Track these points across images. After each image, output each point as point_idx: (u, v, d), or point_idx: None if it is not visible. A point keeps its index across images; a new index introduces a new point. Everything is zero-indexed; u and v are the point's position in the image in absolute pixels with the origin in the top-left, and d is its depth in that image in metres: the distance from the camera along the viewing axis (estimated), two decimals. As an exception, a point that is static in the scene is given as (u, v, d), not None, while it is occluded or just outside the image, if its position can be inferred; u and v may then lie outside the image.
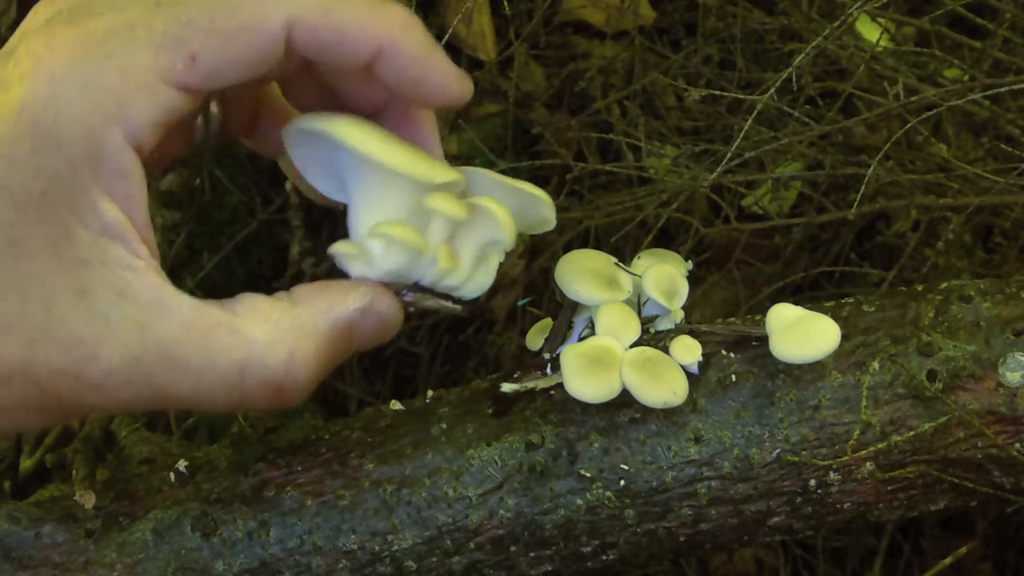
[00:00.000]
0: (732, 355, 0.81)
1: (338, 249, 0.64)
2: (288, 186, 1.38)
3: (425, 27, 0.61)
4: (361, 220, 0.64)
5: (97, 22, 0.55)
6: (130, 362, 0.54)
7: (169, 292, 0.55)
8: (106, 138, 0.54)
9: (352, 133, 0.61)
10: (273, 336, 0.57)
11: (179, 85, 0.56)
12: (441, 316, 0.66)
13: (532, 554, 0.80)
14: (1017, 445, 0.79)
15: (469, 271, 0.67)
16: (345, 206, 0.66)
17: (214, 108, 0.65)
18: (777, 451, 0.79)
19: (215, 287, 1.30)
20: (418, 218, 0.64)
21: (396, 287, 0.64)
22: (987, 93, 1.03)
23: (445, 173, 0.64)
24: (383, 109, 0.66)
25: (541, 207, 0.69)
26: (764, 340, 0.79)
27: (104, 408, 0.58)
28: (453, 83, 0.62)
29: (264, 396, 0.58)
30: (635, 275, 0.82)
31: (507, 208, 0.66)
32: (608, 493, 0.79)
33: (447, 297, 0.66)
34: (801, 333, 0.78)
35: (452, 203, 0.64)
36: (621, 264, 0.83)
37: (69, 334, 0.54)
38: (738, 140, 1.01)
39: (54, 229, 0.53)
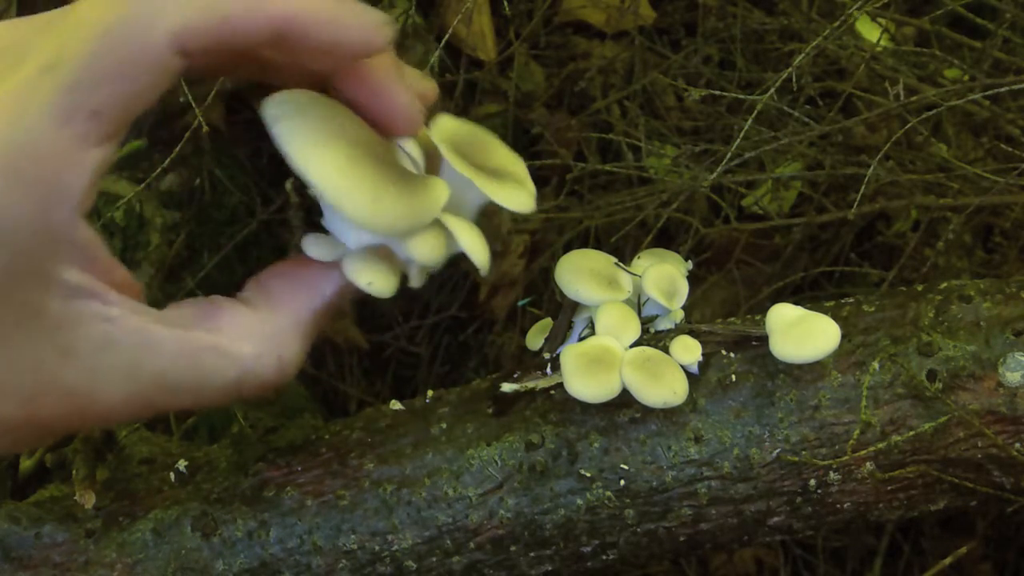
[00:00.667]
0: (732, 355, 0.81)
1: (312, 244, 0.63)
2: (288, 186, 1.38)
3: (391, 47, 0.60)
4: (336, 221, 0.63)
5: None
6: (130, 397, 0.56)
7: (152, 329, 0.57)
8: (50, 224, 0.55)
9: (317, 167, 0.58)
10: (260, 348, 0.59)
11: (95, 143, 0.56)
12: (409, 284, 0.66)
13: (532, 554, 0.80)
14: (1017, 445, 0.79)
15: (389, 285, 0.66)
16: None
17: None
18: (777, 451, 0.79)
19: (215, 287, 1.29)
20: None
21: None
22: (987, 93, 1.03)
23: (416, 214, 0.61)
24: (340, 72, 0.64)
25: (525, 194, 0.68)
26: (764, 340, 0.79)
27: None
28: (371, 34, 0.59)
29: (260, 395, 0.60)
30: (635, 275, 0.82)
31: (482, 241, 0.66)
32: (608, 493, 0.79)
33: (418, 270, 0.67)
34: (801, 333, 0.78)
35: (432, 248, 0.63)
36: (621, 264, 0.83)
37: (64, 389, 0.55)
38: (738, 140, 1.01)
39: (25, 306, 0.54)
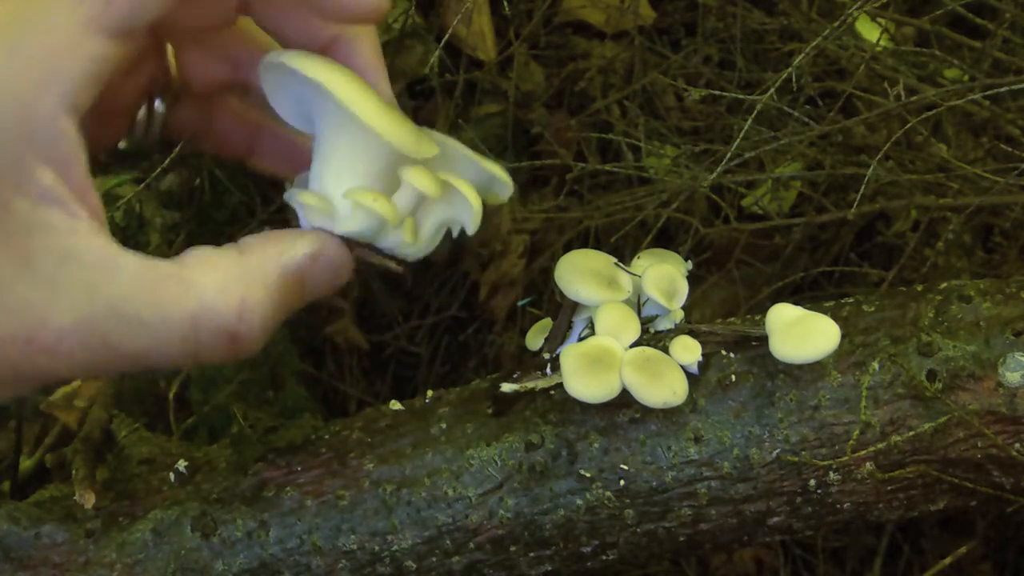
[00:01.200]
0: (732, 355, 0.81)
1: (303, 200, 0.63)
2: (288, 186, 1.38)
3: None
4: (329, 173, 0.63)
5: None
6: (82, 322, 0.54)
7: (114, 251, 0.55)
8: (37, 105, 0.54)
9: (338, 83, 0.61)
10: (223, 283, 0.57)
11: (103, 31, 0.55)
12: (378, 270, 0.66)
13: (532, 554, 0.80)
14: (1017, 445, 0.79)
15: (426, 243, 0.67)
16: (311, 142, 0.66)
17: (159, 106, 0.65)
18: (777, 451, 0.79)
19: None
20: (386, 179, 0.64)
21: (347, 239, 0.64)
22: (987, 93, 1.03)
23: (428, 147, 0.64)
24: (329, 46, 0.65)
25: (501, 186, 0.69)
26: (764, 340, 0.79)
27: (60, 374, 0.57)
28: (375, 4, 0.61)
29: (219, 345, 0.57)
30: (635, 275, 0.82)
31: (476, 192, 0.66)
32: (608, 493, 0.79)
33: (392, 257, 0.66)
34: (801, 333, 0.78)
35: (430, 181, 0.64)
36: (621, 264, 0.83)
37: (17, 301, 0.54)
38: (738, 140, 1.01)
39: None
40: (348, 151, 0.63)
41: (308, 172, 0.65)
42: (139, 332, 0.55)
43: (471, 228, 0.67)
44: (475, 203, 0.66)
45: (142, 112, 0.65)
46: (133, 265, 0.55)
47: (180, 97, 0.67)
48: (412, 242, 0.65)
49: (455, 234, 0.68)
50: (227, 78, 0.67)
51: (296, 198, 0.63)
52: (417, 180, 0.63)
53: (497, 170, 0.68)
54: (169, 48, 0.65)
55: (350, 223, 0.63)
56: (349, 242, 0.63)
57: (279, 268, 0.59)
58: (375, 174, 0.63)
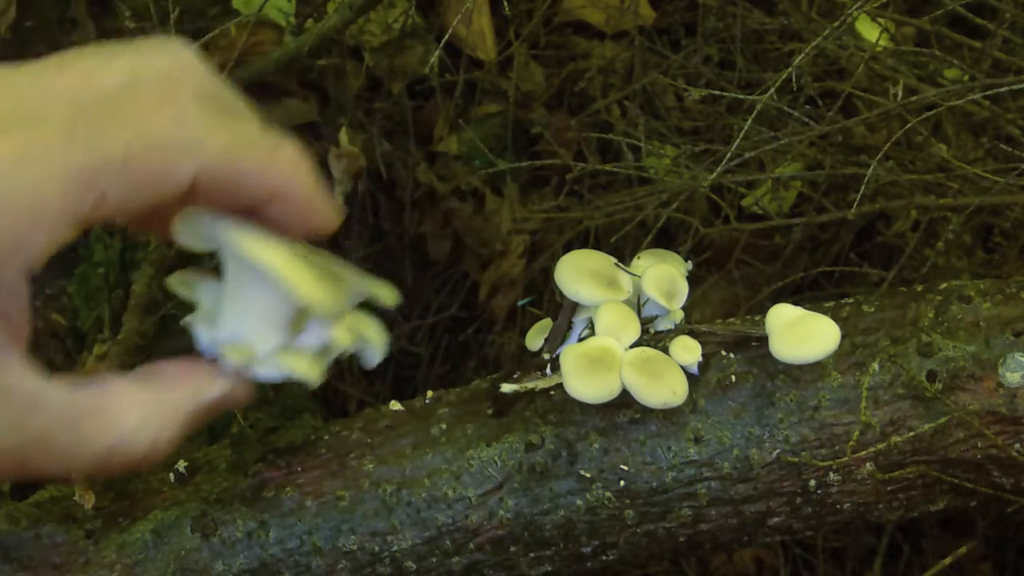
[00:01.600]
0: (732, 355, 0.81)
1: (226, 352, 0.65)
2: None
3: (311, 165, 0.64)
4: (246, 321, 0.66)
5: (12, 140, 0.55)
6: (8, 451, 0.58)
7: (42, 386, 0.58)
8: (4, 265, 0.56)
9: (260, 249, 0.63)
10: (140, 423, 0.60)
11: (81, 221, 0.57)
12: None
13: (532, 554, 0.80)
14: (1017, 445, 0.79)
15: (321, 373, 0.70)
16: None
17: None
18: (777, 451, 0.79)
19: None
20: (299, 319, 0.67)
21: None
22: (987, 93, 1.03)
23: (339, 301, 0.66)
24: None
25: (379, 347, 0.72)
26: (764, 340, 0.79)
27: None
28: (331, 217, 0.65)
29: (125, 470, 0.62)
30: (635, 275, 0.82)
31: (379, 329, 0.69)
32: (608, 493, 0.79)
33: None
34: (801, 333, 0.78)
35: (347, 335, 0.67)
36: (621, 264, 0.83)
37: None
38: (738, 140, 1.01)
39: None
40: (264, 304, 0.66)
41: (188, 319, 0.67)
42: (58, 459, 0.58)
43: (374, 362, 0.69)
44: (380, 345, 0.68)
45: None
46: (57, 400, 0.58)
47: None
48: (315, 377, 0.68)
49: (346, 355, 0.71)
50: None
51: (219, 348, 0.66)
52: (339, 337, 0.67)
53: (382, 292, 0.70)
54: None
55: (271, 373, 0.65)
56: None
57: (193, 405, 0.62)
58: (289, 319, 0.66)
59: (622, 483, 0.79)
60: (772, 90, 1.02)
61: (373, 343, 0.69)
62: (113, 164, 0.56)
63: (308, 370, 0.66)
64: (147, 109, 0.58)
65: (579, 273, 0.81)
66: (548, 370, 0.81)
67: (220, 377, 0.64)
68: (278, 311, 0.66)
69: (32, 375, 0.58)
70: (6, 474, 0.60)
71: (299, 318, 0.67)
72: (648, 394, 0.76)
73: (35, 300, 1.36)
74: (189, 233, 0.67)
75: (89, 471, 0.62)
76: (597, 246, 1.20)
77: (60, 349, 1.25)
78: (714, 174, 1.05)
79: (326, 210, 0.65)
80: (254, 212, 0.65)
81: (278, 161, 0.62)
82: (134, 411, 0.60)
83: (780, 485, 0.80)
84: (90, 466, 0.60)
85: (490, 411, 0.81)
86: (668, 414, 0.79)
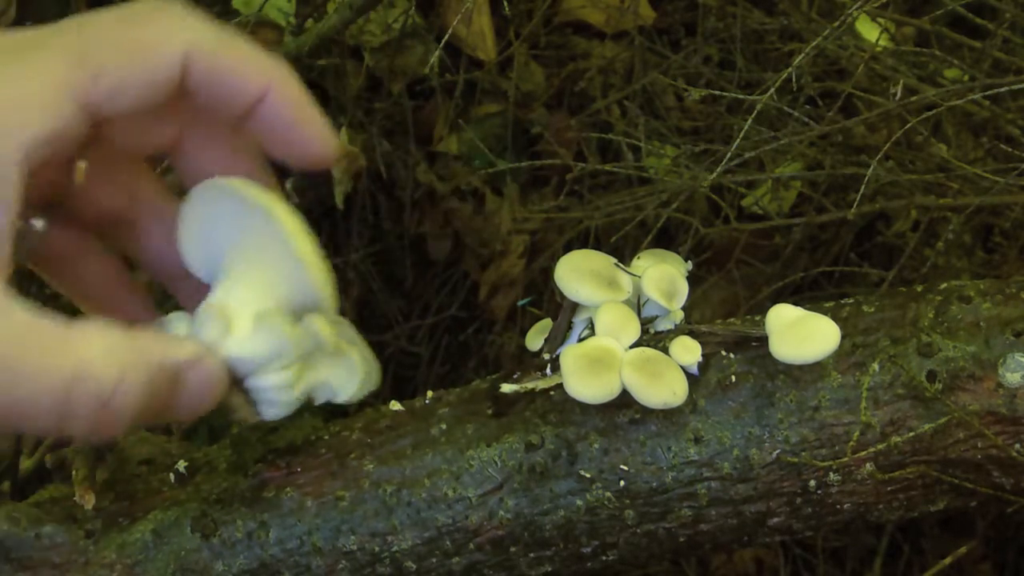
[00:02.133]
0: (732, 356, 0.81)
1: (204, 308, 0.63)
2: (288, 186, 1.38)
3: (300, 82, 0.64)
4: (238, 292, 0.64)
5: (17, 37, 0.58)
6: None
7: (8, 300, 0.56)
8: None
9: (283, 215, 0.62)
10: (107, 353, 0.57)
11: (81, 100, 0.58)
12: (230, 416, 0.67)
13: (532, 555, 0.80)
14: (1017, 446, 0.79)
15: (294, 400, 0.67)
16: (192, 286, 0.67)
17: (38, 223, 0.65)
18: (777, 452, 0.79)
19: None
20: (291, 316, 0.65)
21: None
22: (987, 93, 1.03)
23: (335, 306, 0.66)
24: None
25: (371, 379, 0.72)
26: (764, 341, 0.79)
27: None
28: (325, 136, 0.64)
29: (88, 413, 0.57)
30: (635, 275, 0.82)
31: (363, 367, 0.69)
32: (608, 494, 0.79)
33: (253, 405, 0.67)
34: (801, 334, 0.78)
35: (332, 331, 0.66)
36: (621, 264, 0.83)
37: None
38: (738, 140, 1.01)
39: None
40: (266, 279, 0.64)
41: (171, 315, 0.65)
42: (15, 381, 0.55)
43: (345, 396, 0.69)
44: (361, 372, 0.68)
45: (20, 227, 0.64)
46: (22, 315, 0.56)
47: (61, 220, 0.67)
48: (289, 388, 0.65)
49: (318, 401, 0.70)
50: (120, 210, 0.68)
51: (201, 311, 0.63)
52: (322, 327, 0.65)
53: (371, 360, 0.69)
54: (79, 169, 0.66)
55: (246, 345, 0.63)
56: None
57: (160, 358, 0.59)
58: (283, 310, 0.64)
59: (622, 483, 0.79)
60: (772, 90, 1.02)
61: (354, 372, 0.68)
62: (105, 39, 0.57)
63: (297, 339, 0.63)
64: (141, 17, 0.59)
65: (579, 273, 0.81)
66: (548, 370, 0.81)
67: (190, 342, 0.62)
68: (279, 295, 0.64)
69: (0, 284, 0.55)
70: None
71: (293, 315, 0.65)
72: (648, 394, 0.76)
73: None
74: (197, 210, 0.65)
75: (48, 411, 0.56)
76: (597, 246, 1.20)
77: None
78: (714, 174, 1.05)
79: (319, 127, 0.64)
80: (243, 129, 0.63)
81: (268, 60, 0.62)
82: (99, 342, 0.57)
83: (780, 485, 0.80)
84: (49, 400, 0.55)
85: (490, 411, 0.81)
86: (668, 414, 0.79)
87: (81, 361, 0.56)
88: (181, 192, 0.68)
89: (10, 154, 0.55)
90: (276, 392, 0.65)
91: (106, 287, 0.70)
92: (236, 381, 0.65)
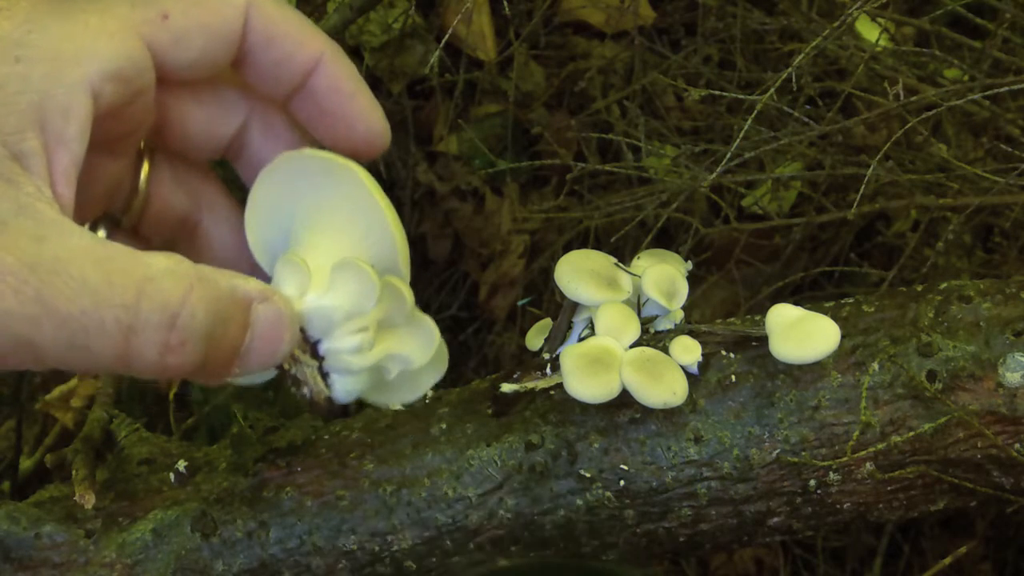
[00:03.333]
0: (732, 355, 0.81)
1: (284, 258, 0.61)
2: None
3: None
4: (317, 247, 0.62)
5: None
6: (22, 267, 0.51)
7: (70, 223, 0.54)
8: (65, 70, 0.54)
9: (370, 181, 0.61)
10: (175, 267, 0.54)
11: (148, 40, 0.57)
12: (299, 394, 0.63)
13: (532, 554, 0.80)
14: (1017, 445, 0.79)
15: (369, 369, 0.64)
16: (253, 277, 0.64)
17: (99, 234, 0.64)
18: (777, 451, 0.79)
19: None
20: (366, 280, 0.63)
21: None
22: (987, 93, 1.03)
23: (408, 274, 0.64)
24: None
25: (442, 363, 0.69)
26: (764, 340, 0.79)
27: None
28: (378, 120, 0.63)
29: (155, 330, 0.53)
30: (635, 275, 0.82)
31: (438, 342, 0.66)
32: (608, 493, 0.79)
33: (325, 380, 0.63)
34: (801, 333, 0.78)
35: (412, 301, 0.64)
36: (621, 264, 0.83)
37: None
38: (738, 140, 1.01)
39: None
40: (347, 239, 0.62)
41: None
42: (78, 291, 0.52)
43: (422, 362, 0.65)
44: (435, 337, 0.65)
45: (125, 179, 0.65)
46: (86, 235, 0.54)
47: (122, 232, 0.66)
48: (366, 349, 0.62)
49: (391, 375, 0.66)
50: (184, 214, 0.67)
51: (281, 262, 0.62)
52: (401, 289, 0.63)
53: (438, 337, 0.66)
54: (144, 170, 0.65)
55: (326, 295, 0.61)
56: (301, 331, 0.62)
57: (230, 287, 0.57)
58: (363, 280, 0.62)
59: (622, 483, 0.79)
60: (772, 90, 1.02)
61: (429, 337, 0.64)
62: None
63: (373, 277, 0.60)
64: None
65: (579, 273, 0.81)
66: (548, 370, 0.81)
67: (256, 280, 0.58)
68: (357, 249, 0.62)
69: (59, 213, 0.53)
70: (18, 314, 0.51)
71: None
72: (648, 394, 0.76)
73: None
74: (272, 184, 0.64)
75: (114, 330, 0.52)
76: (597, 246, 1.20)
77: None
78: (714, 174, 1.05)
79: (371, 105, 0.63)
80: (295, 113, 0.63)
81: (320, 33, 0.62)
82: (168, 259, 0.55)
83: (780, 485, 0.80)
84: (115, 315, 0.52)
85: (490, 411, 0.81)
86: (668, 414, 0.79)
87: (148, 273, 0.53)
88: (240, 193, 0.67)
89: (75, 84, 0.54)
90: (351, 357, 0.62)
91: None
92: (310, 347, 0.62)
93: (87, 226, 0.65)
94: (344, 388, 0.63)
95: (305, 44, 0.61)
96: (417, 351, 0.66)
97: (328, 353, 0.62)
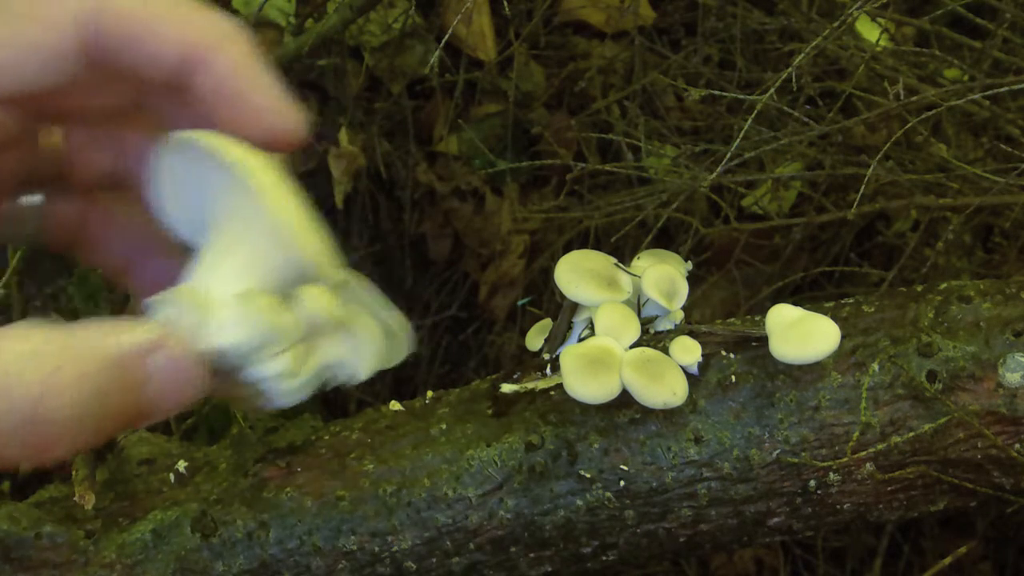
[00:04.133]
0: (732, 356, 0.81)
1: (176, 295, 0.54)
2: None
3: (255, 45, 0.53)
4: (219, 274, 0.55)
5: None
6: None
7: None
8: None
9: (257, 173, 0.53)
10: (31, 353, 0.47)
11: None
12: (241, 408, 0.57)
13: (532, 555, 0.80)
14: (1017, 446, 0.79)
15: (304, 385, 0.58)
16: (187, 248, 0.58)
17: (33, 199, 0.59)
18: (777, 452, 0.79)
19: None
20: (280, 294, 0.56)
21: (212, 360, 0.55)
22: (987, 93, 1.03)
23: (337, 270, 0.56)
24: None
25: (397, 344, 0.61)
26: (764, 341, 0.79)
27: None
28: (279, 110, 0.53)
29: (11, 430, 0.46)
30: (635, 275, 0.82)
31: (379, 334, 0.59)
32: (608, 494, 0.79)
33: (261, 395, 0.57)
34: (801, 334, 0.78)
35: (331, 304, 0.57)
36: (621, 264, 0.83)
37: None
38: (738, 140, 1.01)
39: None
40: (249, 255, 0.55)
41: (162, 294, 0.55)
42: None
43: (364, 372, 0.59)
44: (374, 342, 0.59)
45: (9, 206, 0.59)
46: None
47: (57, 191, 0.60)
48: (293, 374, 0.56)
49: (337, 382, 0.59)
50: (110, 167, 0.60)
51: (167, 297, 0.54)
52: (315, 301, 0.56)
53: (396, 323, 0.60)
54: (57, 133, 0.59)
55: (227, 333, 0.54)
56: (213, 365, 0.54)
57: (117, 346, 0.49)
58: (270, 284, 0.55)
59: (622, 483, 0.79)
60: (772, 90, 1.02)
61: (369, 343, 0.58)
62: None
63: (286, 324, 0.53)
64: None
65: (579, 273, 0.81)
66: (548, 370, 0.81)
67: (148, 327, 0.51)
68: (264, 269, 0.55)
69: None
70: None
71: (285, 292, 0.56)
72: (648, 394, 0.76)
73: (34, 300, 1.36)
74: (167, 169, 0.56)
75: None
76: (597, 246, 1.20)
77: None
78: (714, 174, 1.05)
79: (272, 98, 0.53)
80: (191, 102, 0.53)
81: (201, 19, 0.52)
82: (26, 342, 0.47)
83: (780, 485, 0.80)
84: None
85: (490, 411, 0.81)
86: (668, 414, 0.79)
87: (3, 368, 0.46)
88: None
89: None
90: (278, 381, 0.57)
91: (140, 252, 0.62)
92: (234, 371, 0.56)
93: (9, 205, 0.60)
94: (289, 400, 0.58)
95: (175, 39, 0.52)
96: (356, 360, 0.60)
97: (254, 378, 0.57)
